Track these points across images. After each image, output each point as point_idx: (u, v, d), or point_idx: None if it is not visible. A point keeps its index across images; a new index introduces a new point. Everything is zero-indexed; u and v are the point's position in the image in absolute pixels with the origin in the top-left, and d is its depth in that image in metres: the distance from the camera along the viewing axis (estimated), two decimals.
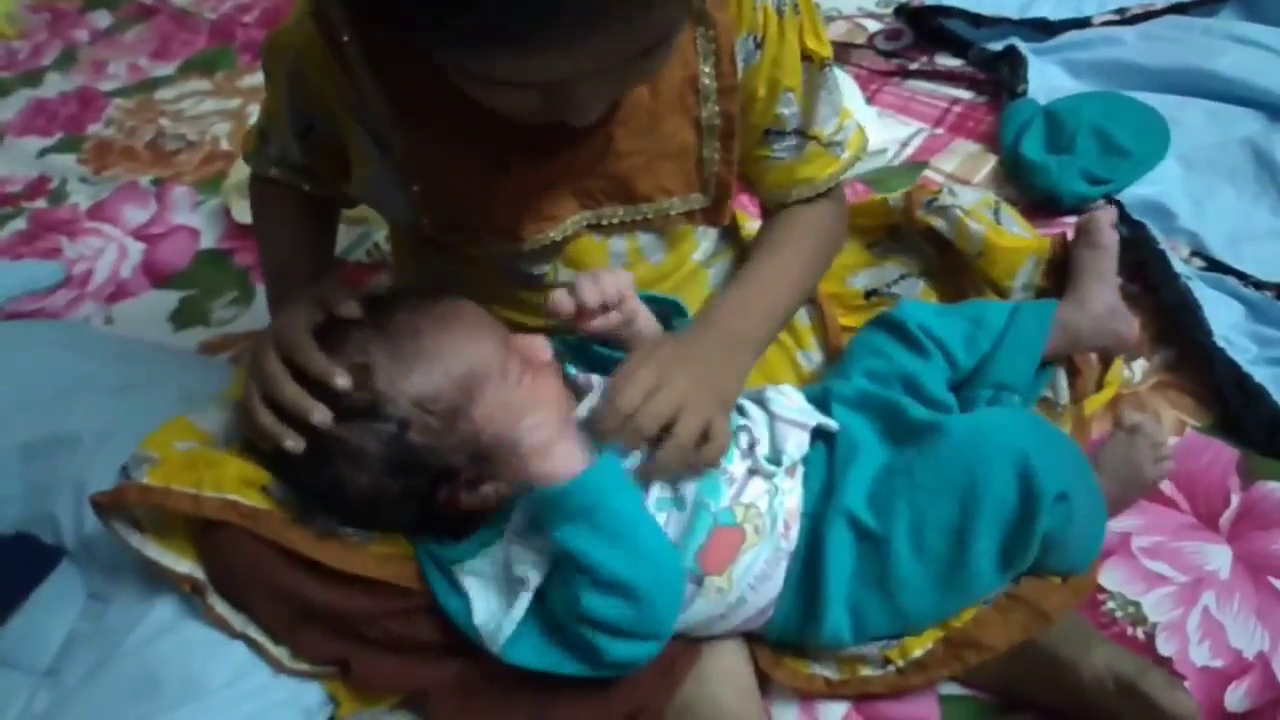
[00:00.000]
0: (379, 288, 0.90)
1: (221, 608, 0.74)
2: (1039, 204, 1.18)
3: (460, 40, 0.55)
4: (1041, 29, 1.48)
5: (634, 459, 0.70)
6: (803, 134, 0.81)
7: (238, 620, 0.74)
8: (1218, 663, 0.77)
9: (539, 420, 0.68)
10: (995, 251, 0.89)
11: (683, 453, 0.69)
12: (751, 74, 0.75)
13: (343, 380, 0.68)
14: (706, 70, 0.73)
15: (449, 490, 0.71)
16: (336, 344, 0.70)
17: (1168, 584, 0.82)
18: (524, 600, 0.68)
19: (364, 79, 0.71)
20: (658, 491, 0.72)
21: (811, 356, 0.93)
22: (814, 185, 0.84)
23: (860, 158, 0.88)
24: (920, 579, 0.70)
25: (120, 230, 1.33)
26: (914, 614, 0.71)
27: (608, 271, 0.73)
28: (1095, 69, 1.40)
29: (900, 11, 1.55)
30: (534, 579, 0.68)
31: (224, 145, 1.49)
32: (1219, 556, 0.84)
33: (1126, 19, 1.49)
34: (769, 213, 0.88)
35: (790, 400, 0.80)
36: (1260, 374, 0.93)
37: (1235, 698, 0.75)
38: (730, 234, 0.94)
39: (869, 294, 0.94)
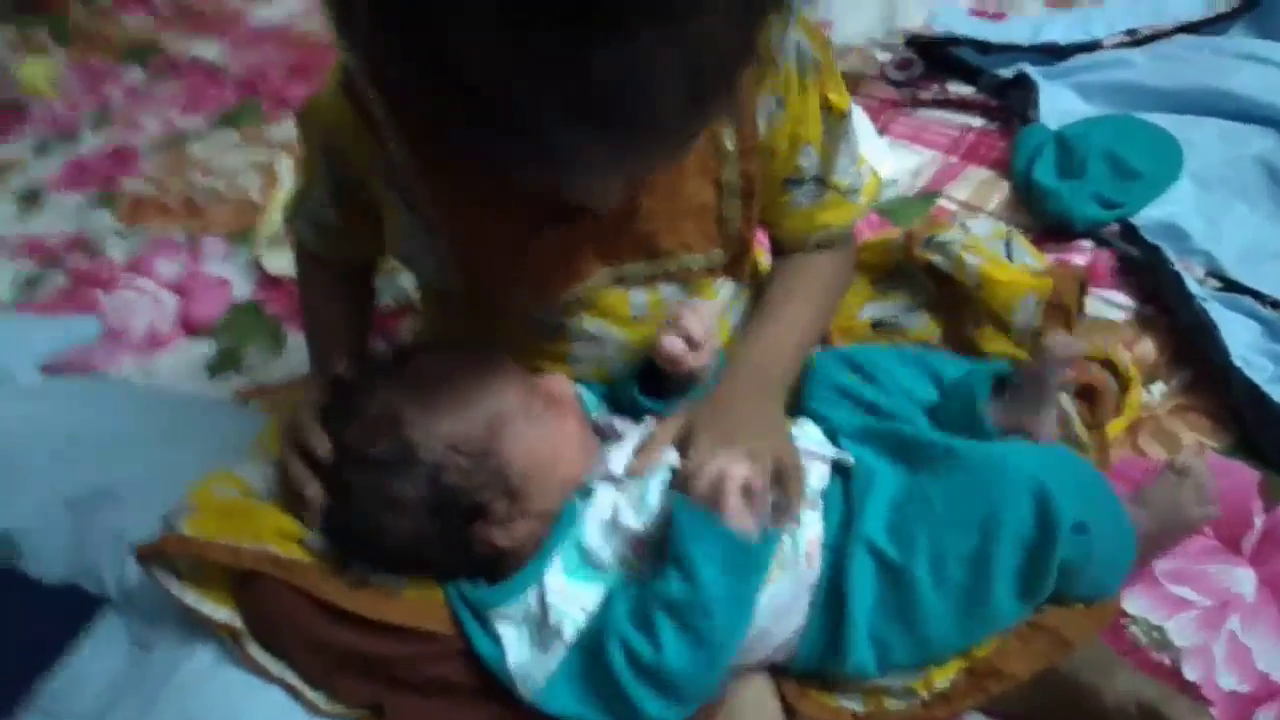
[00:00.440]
0: (404, 341, 0.92)
1: (259, 654, 0.76)
2: (1052, 229, 1.19)
3: (507, 167, 0.61)
4: (1051, 53, 1.50)
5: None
6: (821, 182, 0.83)
7: (275, 666, 0.76)
8: (1245, 687, 0.77)
9: (564, 456, 0.72)
10: (993, 285, 0.91)
11: (764, 504, 0.72)
12: (772, 133, 0.77)
13: (323, 450, 0.76)
14: (728, 133, 0.75)
15: (483, 528, 0.73)
16: (366, 399, 0.75)
17: (1192, 608, 0.83)
18: (559, 653, 0.70)
19: (396, 150, 0.74)
20: None
21: None
22: (831, 231, 0.86)
23: (876, 202, 0.90)
24: (942, 609, 0.71)
25: (155, 283, 1.37)
26: (937, 644, 0.72)
27: (697, 302, 0.78)
28: (1106, 91, 1.41)
29: (911, 42, 1.56)
30: (569, 632, 0.70)
31: (253, 197, 1.53)
32: (1243, 579, 0.84)
33: (1136, 40, 1.50)
34: (781, 252, 0.90)
35: (808, 433, 0.82)
36: (1278, 394, 0.94)
37: None
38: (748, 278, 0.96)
39: (876, 324, 0.96)
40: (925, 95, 1.49)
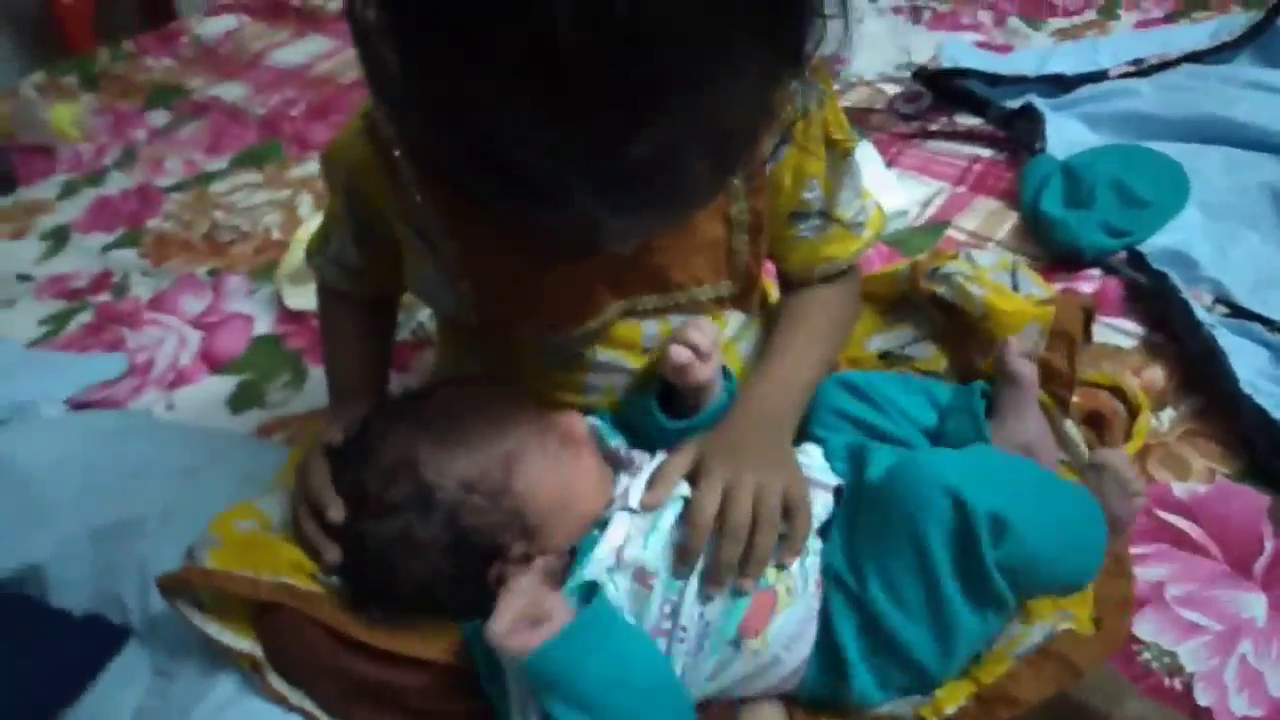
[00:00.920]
0: (422, 381, 0.94)
1: (279, 684, 0.78)
2: (1061, 258, 1.20)
3: (537, 227, 0.64)
4: (1058, 84, 1.52)
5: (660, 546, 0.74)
6: (826, 216, 0.85)
7: (294, 696, 0.77)
8: (1257, 712, 0.77)
9: (580, 493, 0.74)
10: (997, 315, 0.91)
11: (772, 537, 0.73)
12: (778, 169, 0.79)
13: (336, 514, 0.77)
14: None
15: (500, 567, 0.75)
16: (379, 442, 0.77)
17: (1204, 633, 0.83)
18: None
19: (414, 192, 0.76)
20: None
21: None
22: (836, 263, 0.88)
23: (880, 235, 0.92)
24: (911, 629, 0.70)
25: (179, 320, 1.40)
26: (928, 665, 0.72)
27: (698, 319, 0.80)
28: (1113, 121, 1.43)
29: (919, 75, 1.59)
30: None
31: (275, 235, 1.56)
32: (1254, 604, 0.84)
33: (1142, 71, 1.52)
34: (789, 286, 0.92)
35: (812, 460, 0.83)
36: None
37: None
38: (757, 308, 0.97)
39: (883, 355, 0.97)
40: (933, 127, 1.51)
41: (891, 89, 1.62)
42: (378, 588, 0.77)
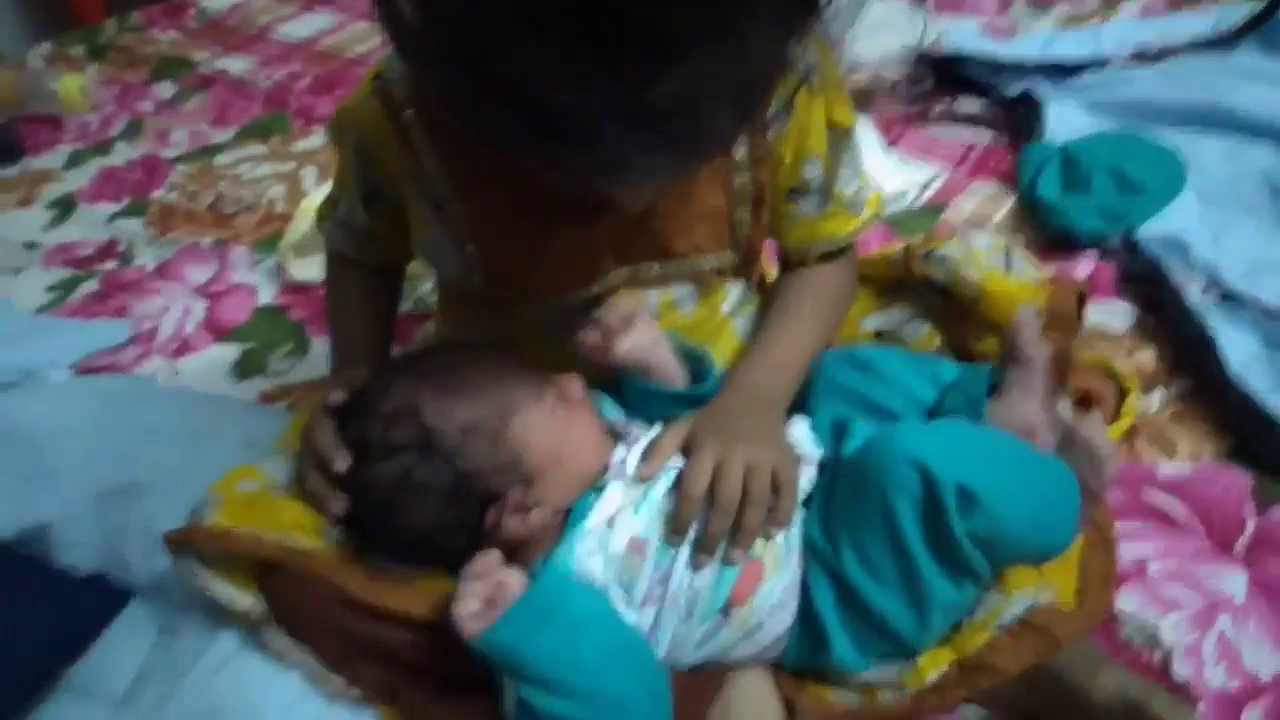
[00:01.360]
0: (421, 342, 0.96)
1: (280, 640, 0.80)
2: (1056, 242, 1.21)
3: (561, 172, 0.65)
4: (1060, 71, 1.52)
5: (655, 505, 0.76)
6: (825, 194, 0.86)
7: (295, 652, 0.79)
8: (1233, 683, 0.79)
9: (577, 448, 0.76)
10: (991, 297, 0.92)
11: (761, 512, 0.75)
12: (779, 142, 0.81)
13: (342, 464, 0.77)
14: (740, 142, 0.79)
15: (498, 515, 0.76)
16: (381, 394, 0.78)
17: (1183, 608, 0.85)
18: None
19: (424, 154, 0.78)
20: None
21: None
22: (835, 241, 0.89)
23: (879, 215, 0.93)
24: (885, 599, 0.72)
25: (184, 289, 1.42)
26: (904, 632, 0.73)
27: (615, 299, 0.81)
28: (1113, 107, 1.44)
29: (922, 59, 1.59)
30: None
31: (279, 207, 1.57)
32: (1234, 581, 0.86)
33: (1145, 58, 1.52)
34: (787, 265, 0.93)
35: (798, 433, 0.84)
36: (1274, 403, 0.96)
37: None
38: (755, 285, 0.99)
39: (879, 334, 0.99)
40: (935, 110, 1.52)
41: (895, 72, 1.62)
42: (379, 532, 0.78)
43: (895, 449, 0.71)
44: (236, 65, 2.06)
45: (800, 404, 0.88)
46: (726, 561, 0.75)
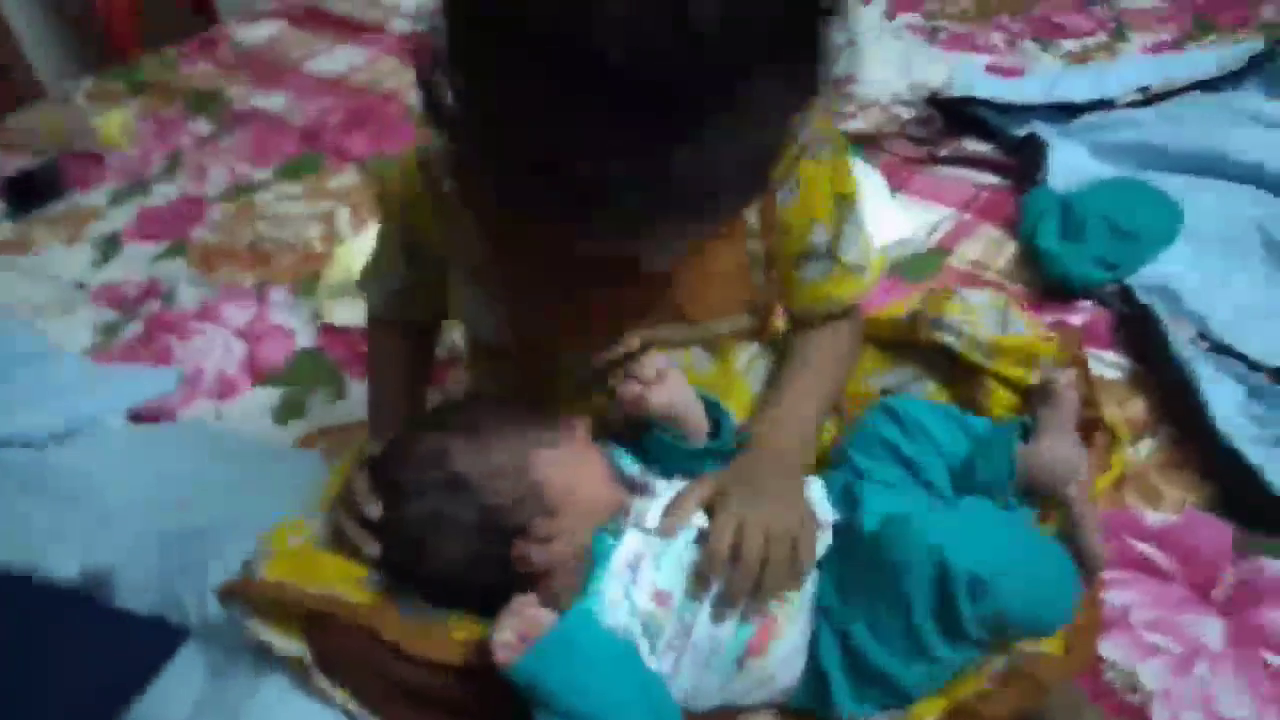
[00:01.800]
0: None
1: (325, 684, 0.87)
2: (1054, 290, 1.27)
3: (586, 236, 0.71)
4: (1065, 111, 1.57)
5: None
6: (831, 258, 0.92)
7: (340, 695, 0.86)
8: None
9: (591, 479, 0.85)
10: (1003, 354, 0.97)
11: (781, 574, 0.81)
12: (787, 210, 0.87)
13: (374, 510, 0.86)
14: (752, 210, 0.86)
15: (524, 545, 0.83)
16: (412, 444, 0.87)
17: (1164, 655, 0.90)
18: None
19: (462, 222, 0.86)
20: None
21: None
22: (840, 303, 0.95)
23: (880, 278, 0.98)
24: (892, 662, 0.78)
25: (225, 330, 1.49)
26: (905, 687, 0.79)
27: (644, 356, 0.87)
28: (1116, 151, 1.48)
29: (931, 101, 1.65)
30: None
31: (316, 247, 1.65)
32: (1212, 629, 0.91)
33: (1148, 99, 1.57)
34: (796, 326, 0.99)
35: (814, 496, 0.90)
36: (1256, 454, 1.01)
37: None
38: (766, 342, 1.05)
39: (884, 392, 1.04)
40: (943, 153, 1.57)
41: (904, 112, 1.68)
42: (413, 571, 0.86)
43: (914, 537, 0.77)
44: (271, 101, 2.13)
45: (839, 455, 0.95)
46: (745, 618, 0.82)
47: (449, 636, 0.85)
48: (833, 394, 0.98)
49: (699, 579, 0.81)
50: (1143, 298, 1.21)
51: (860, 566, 0.81)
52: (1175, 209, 1.32)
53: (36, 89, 2.51)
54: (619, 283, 0.86)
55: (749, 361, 1.01)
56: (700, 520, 0.85)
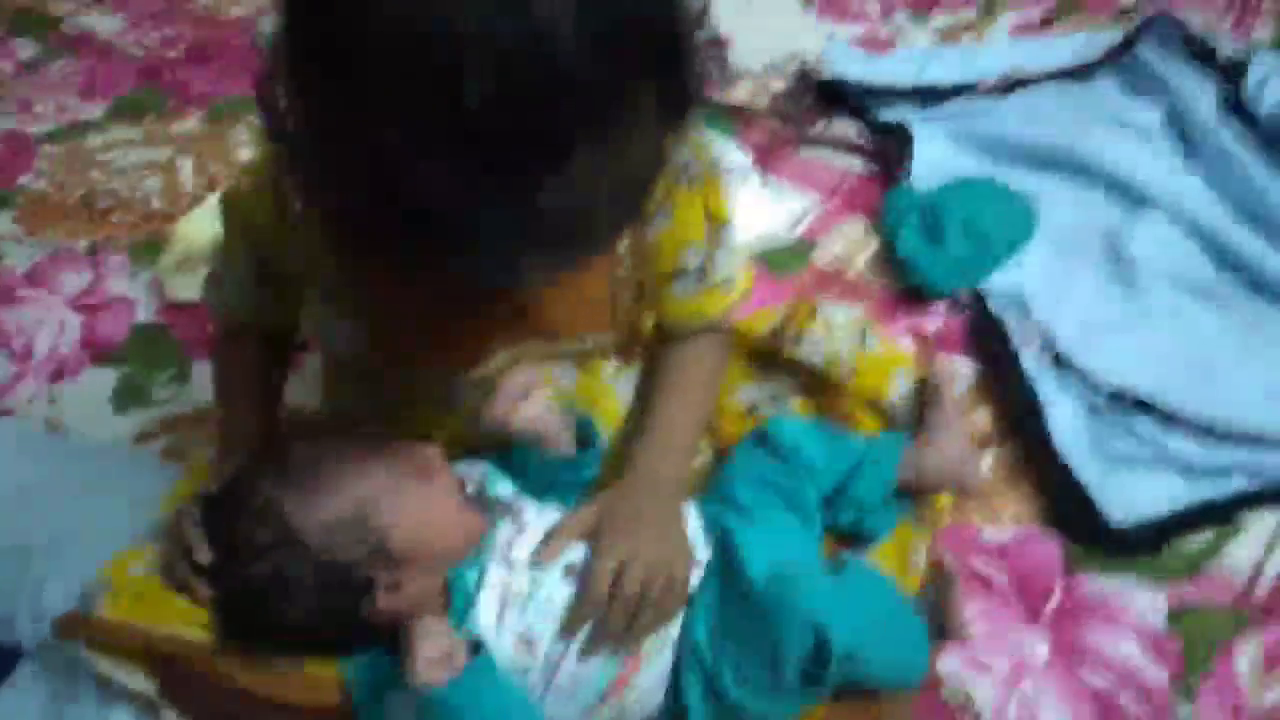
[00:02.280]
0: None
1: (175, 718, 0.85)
2: (912, 293, 1.30)
3: (446, 270, 0.66)
4: (931, 96, 1.59)
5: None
6: (702, 277, 0.91)
7: None
8: None
9: (438, 520, 0.83)
10: (865, 370, 1.00)
11: (657, 615, 0.82)
12: (660, 236, 0.86)
13: (203, 556, 0.82)
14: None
15: (370, 600, 0.82)
16: (246, 491, 0.82)
17: (993, 671, 0.96)
18: None
19: (316, 243, 0.80)
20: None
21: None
22: (708, 319, 0.95)
23: (748, 292, 0.99)
24: (754, 703, 0.82)
25: (59, 300, 1.39)
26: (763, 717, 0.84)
27: (514, 372, 0.87)
28: (977, 143, 1.51)
29: (803, 77, 1.64)
30: None
31: (155, 204, 1.54)
32: (1038, 644, 0.98)
33: (1008, 86, 1.60)
34: (664, 338, 0.98)
35: (690, 525, 0.92)
36: (1089, 473, 1.07)
37: None
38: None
39: (752, 408, 1.06)
40: (811, 133, 1.57)
41: (776, 84, 1.67)
42: (260, 632, 0.83)
43: (801, 602, 0.80)
44: (105, 24, 1.96)
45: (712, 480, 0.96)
46: (613, 654, 0.83)
47: (303, 675, 0.84)
48: (706, 414, 0.99)
49: (571, 619, 0.82)
50: (995, 305, 1.25)
51: (738, 614, 0.83)
52: (1029, 212, 1.35)
53: None
54: (483, 306, 0.83)
55: (615, 371, 1.01)
56: (573, 554, 0.85)
